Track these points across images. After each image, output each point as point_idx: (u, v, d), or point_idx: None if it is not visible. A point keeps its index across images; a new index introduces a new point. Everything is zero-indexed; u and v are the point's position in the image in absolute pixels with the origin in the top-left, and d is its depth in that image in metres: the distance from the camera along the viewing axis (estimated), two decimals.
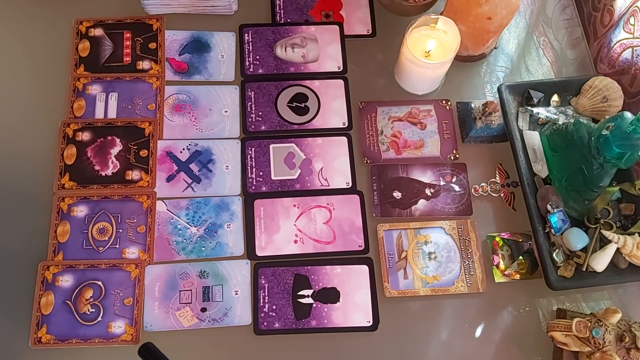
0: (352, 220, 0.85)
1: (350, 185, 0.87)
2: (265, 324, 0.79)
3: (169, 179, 0.86)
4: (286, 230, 0.84)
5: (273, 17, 0.97)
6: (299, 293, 0.81)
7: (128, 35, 0.94)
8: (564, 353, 0.77)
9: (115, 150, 0.87)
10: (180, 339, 0.79)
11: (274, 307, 0.80)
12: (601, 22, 0.95)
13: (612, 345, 0.73)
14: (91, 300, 0.79)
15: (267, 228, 0.84)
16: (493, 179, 0.89)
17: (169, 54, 0.93)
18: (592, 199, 0.81)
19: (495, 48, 0.97)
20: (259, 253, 0.83)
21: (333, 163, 0.88)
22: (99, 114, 0.89)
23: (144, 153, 0.87)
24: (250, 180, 0.87)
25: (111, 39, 0.93)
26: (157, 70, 0.92)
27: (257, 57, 0.94)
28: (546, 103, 0.89)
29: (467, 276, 0.83)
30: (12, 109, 0.90)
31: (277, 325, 0.79)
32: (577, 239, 0.80)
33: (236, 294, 0.81)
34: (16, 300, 0.79)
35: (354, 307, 0.81)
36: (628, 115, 0.74)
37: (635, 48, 0.86)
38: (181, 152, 0.88)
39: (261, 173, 0.87)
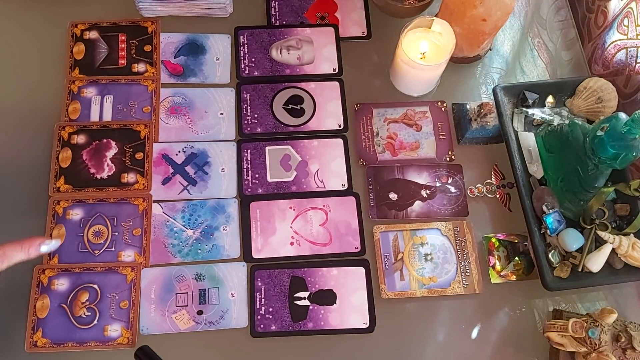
0: (348, 222, 0.85)
1: (346, 187, 0.87)
2: (261, 326, 0.79)
3: (165, 181, 0.86)
4: (282, 233, 0.84)
5: (268, 19, 0.97)
6: (295, 295, 0.81)
7: (123, 37, 0.94)
8: (560, 353, 0.77)
9: (110, 153, 0.87)
10: (176, 342, 0.78)
11: (271, 309, 0.80)
12: (595, 23, 0.95)
13: (608, 346, 0.73)
14: (87, 303, 0.79)
15: (263, 230, 0.84)
16: (489, 180, 0.89)
17: (164, 56, 0.93)
18: (587, 199, 0.81)
19: (490, 49, 0.97)
20: (255, 255, 0.83)
21: (329, 165, 0.88)
22: (94, 116, 0.89)
23: (139, 156, 0.87)
24: (246, 182, 0.87)
25: (106, 42, 0.93)
26: (153, 73, 0.92)
27: (253, 60, 0.94)
28: (541, 104, 0.89)
29: (463, 277, 0.83)
30: (6, 112, 0.89)
31: (274, 327, 0.79)
32: (573, 239, 0.80)
33: (232, 296, 0.81)
34: (11, 303, 0.79)
35: (350, 309, 0.81)
36: (623, 116, 0.75)
37: (629, 49, 0.87)
38: (177, 154, 0.88)
39: (257, 175, 0.87)
